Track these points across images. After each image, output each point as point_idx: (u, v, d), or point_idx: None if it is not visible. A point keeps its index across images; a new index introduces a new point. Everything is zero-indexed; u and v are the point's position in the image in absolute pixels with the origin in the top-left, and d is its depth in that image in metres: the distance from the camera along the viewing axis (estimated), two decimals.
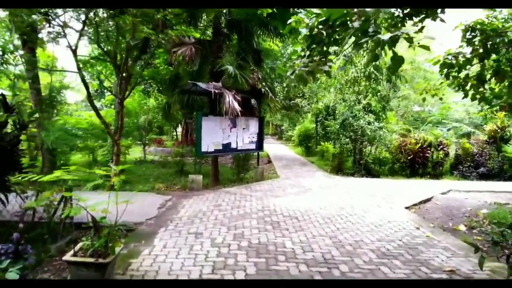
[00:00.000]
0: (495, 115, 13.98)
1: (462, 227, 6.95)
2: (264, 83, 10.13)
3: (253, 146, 11.16)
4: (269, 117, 25.62)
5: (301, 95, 16.92)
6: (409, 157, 13.32)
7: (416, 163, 13.42)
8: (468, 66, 8.38)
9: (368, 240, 5.78)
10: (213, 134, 9.72)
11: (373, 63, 13.61)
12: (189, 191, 9.36)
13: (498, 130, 13.71)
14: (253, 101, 11.80)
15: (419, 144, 13.40)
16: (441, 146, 13.76)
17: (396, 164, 13.83)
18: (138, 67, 11.59)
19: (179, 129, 24.15)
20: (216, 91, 8.87)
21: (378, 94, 13.81)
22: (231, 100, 8.91)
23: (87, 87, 8.13)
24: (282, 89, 16.09)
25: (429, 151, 13.56)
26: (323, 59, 5.38)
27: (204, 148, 9.43)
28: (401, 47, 20.16)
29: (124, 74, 8.22)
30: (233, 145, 10.42)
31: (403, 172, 13.63)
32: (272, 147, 27.96)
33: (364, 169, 13.29)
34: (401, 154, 13.54)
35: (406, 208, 8.29)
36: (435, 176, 13.41)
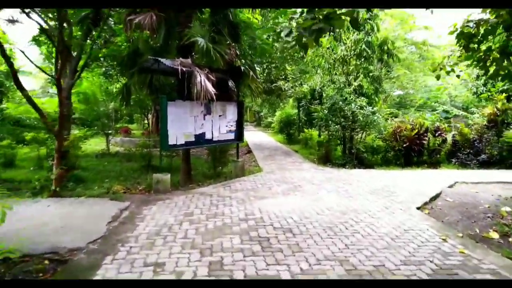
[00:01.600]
0: (495, 97, 12.89)
1: (493, 234, 5.58)
2: (243, 61, 8.39)
3: (231, 136, 9.47)
4: (250, 102, 23.82)
5: (283, 77, 15.27)
6: (404, 145, 12.01)
7: (412, 151, 12.14)
8: (490, 37, 7.00)
9: (391, 264, 4.28)
10: (183, 123, 7.95)
11: (365, 39, 12.10)
12: (154, 194, 7.61)
13: (499, 113, 12.57)
14: (230, 82, 10.03)
15: (416, 130, 12.09)
16: (438, 132, 12.53)
17: (390, 152, 12.51)
18: (90, 44, 9.58)
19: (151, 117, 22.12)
20: (184, 69, 7.08)
21: (370, 74, 12.34)
22: (203, 80, 7.15)
23: (10, 66, 6.14)
24: (263, 70, 14.36)
25: (425, 138, 12.29)
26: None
27: (171, 141, 7.66)
28: (390, 22, 18.85)
29: (60, 48, 6.28)
30: (208, 136, 8.70)
31: (397, 161, 12.34)
32: (251, 134, 26.32)
33: (356, 158, 11.88)
34: (395, 141, 12.21)
35: (418, 208, 6.91)
36: (432, 165, 12.19)
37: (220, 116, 9.01)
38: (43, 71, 7.60)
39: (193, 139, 8.26)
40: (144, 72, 8.12)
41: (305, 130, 18.38)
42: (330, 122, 12.22)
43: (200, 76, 7.21)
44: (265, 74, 14.75)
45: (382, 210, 6.65)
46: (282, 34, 3.82)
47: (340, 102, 11.92)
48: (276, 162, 12.67)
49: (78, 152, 11.77)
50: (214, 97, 7.18)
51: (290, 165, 11.92)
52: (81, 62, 9.37)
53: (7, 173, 10.38)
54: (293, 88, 14.70)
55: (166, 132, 7.43)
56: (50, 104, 15.13)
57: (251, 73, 8.28)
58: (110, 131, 16.40)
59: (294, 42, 3.82)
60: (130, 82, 8.79)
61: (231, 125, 9.39)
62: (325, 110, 12.41)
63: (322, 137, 15.11)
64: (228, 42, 8.54)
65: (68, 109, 9.43)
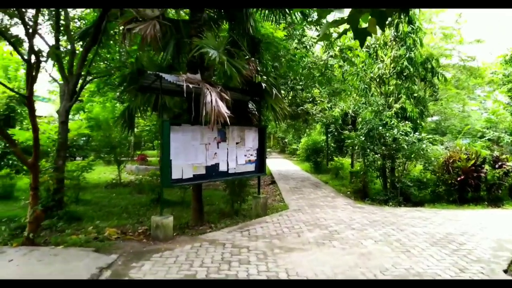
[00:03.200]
0: None
1: None
2: (265, 77, 6.92)
3: (251, 168, 7.89)
4: (273, 127, 22.20)
5: (310, 100, 13.74)
6: (459, 178, 10.01)
7: (468, 185, 10.10)
8: None
9: None
10: (191, 152, 6.45)
11: (407, 55, 10.46)
12: (153, 241, 6.04)
13: None
14: (250, 104, 8.57)
15: (472, 161, 10.11)
16: (499, 163, 10.47)
17: (441, 187, 10.51)
18: (89, 61, 8.43)
19: None
20: (191, 86, 5.65)
21: (414, 95, 10.59)
22: (214, 100, 5.68)
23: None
24: (287, 92, 12.90)
25: (483, 170, 10.26)
26: None
27: (176, 174, 6.14)
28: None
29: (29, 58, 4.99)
30: (222, 167, 7.15)
31: (450, 197, 10.30)
32: (275, 162, 24.66)
33: (401, 194, 9.97)
34: (447, 173, 10.24)
35: (505, 271, 5.00)
36: (492, 203, 10.09)
37: (237, 143, 7.48)
38: (7, 87, 6.27)
39: (203, 171, 6.72)
40: (146, 92, 6.75)
41: (335, 158, 16.59)
42: (368, 150, 10.44)
43: (211, 95, 5.75)
44: (290, 97, 13.28)
45: (457, 274, 4.78)
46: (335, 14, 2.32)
47: (380, 127, 10.18)
48: (304, 196, 10.91)
49: (81, 183, 10.54)
50: (228, 120, 5.67)
51: (321, 201, 10.13)
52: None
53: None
54: (322, 112, 13.13)
55: (168, 164, 5.93)
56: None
57: (275, 91, 6.75)
58: (123, 159, 15.20)
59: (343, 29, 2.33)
60: (133, 104, 7.47)
61: (251, 154, 7.83)
62: (361, 137, 10.67)
63: (356, 167, 13.27)
64: (247, 57, 7.11)
65: (65, 136, 8.18)
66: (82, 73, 8.35)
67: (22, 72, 16.61)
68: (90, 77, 8.57)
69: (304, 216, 8.16)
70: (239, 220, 7.83)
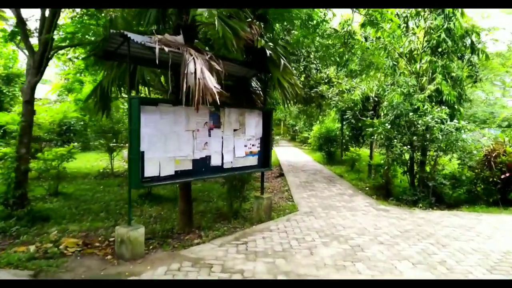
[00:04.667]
0: None
1: None
2: (271, 45, 5.29)
3: (253, 161, 6.34)
4: (282, 111, 20.17)
5: (326, 81, 11.99)
6: (503, 176, 8.32)
7: None
8: None
9: None
10: (171, 142, 4.90)
11: (444, 25, 8.66)
12: (117, 261, 4.57)
13: None
14: (254, 83, 6.97)
15: None
16: None
17: (479, 185, 8.84)
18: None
19: None
20: (167, 49, 4.07)
21: (451, 76, 8.82)
22: (199, 70, 4.10)
23: None
24: (300, 73, 11.19)
25: None
26: None
27: (150, 171, 4.61)
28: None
29: None
30: (216, 161, 5.60)
31: (489, 198, 8.63)
32: (284, 151, 23.04)
33: (432, 193, 8.34)
34: (488, 170, 8.55)
35: None
36: None
37: (235, 130, 5.91)
38: None
39: (189, 166, 5.18)
40: (111, 59, 5.15)
41: (351, 148, 14.93)
42: (394, 140, 8.77)
43: (195, 63, 4.16)
44: (302, 78, 11.58)
45: None
46: None
47: (410, 113, 8.50)
48: (317, 193, 9.34)
49: (60, 174, 9.16)
50: (217, 98, 4.09)
51: (336, 200, 8.56)
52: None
53: None
54: (339, 95, 11.40)
55: (138, 157, 4.40)
56: (50, 113, 12.74)
57: (283, 61, 5.11)
58: (118, 146, 13.78)
59: None
60: (106, 80, 5.93)
61: (253, 145, 6.27)
62: (386, 124, 9.00)
63: (376, 159, 11.62)
64: (250, 20, 5.47)
65: (29, 118, 6.73)
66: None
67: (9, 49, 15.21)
68: (57, 47, 6.99)
69: (317, 221, 6.61)
70: (237, 226, 6.33)
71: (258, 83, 6.86)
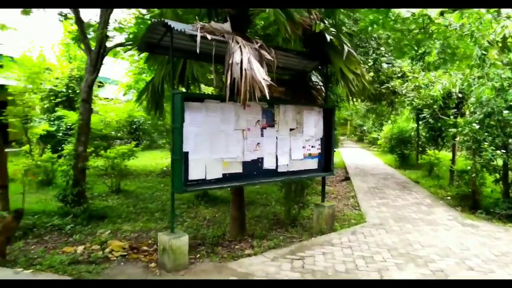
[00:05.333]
0: None
1: None
2: (334, 30, 4.54)
3: (312, 165, 5.63)
4: (346, 109, 18.66)
5: (399, 75, 10.71)
6: None
7: None
8: None
9: None
10: (219, 142, 4.42)
11: None
12: (159, 270, 4.19)
13: None
14: (314, 77, 6.25)
15: None
16: None
17: None
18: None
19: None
20: (210, 37, 3.59)
21: None
22: (246, 60, 3.55)
23: None
24: (369, 67, 10.10)
25: None
26: None
27: (194, 174, 4.18)
28: None
29: None
30: (269, 164, 5.01)
31: None
32: (350, 153, 21.69)
33: None
34: None
35: None
36: None
37: (292, 130, 5.26)
38: None
39: (239, 169, 4.66)
40: (155, 52, 4.79)
41: (428, 151, 13.34)
42: (484, 143, 7.41)
43: (242, 52, 3.62)
44: (372, 73, 10.45)
45: None
46: None
47: (504, 111, 7.10)
48: (389, 201, 8.28)
49: (122, 171, 9.35)
50: (266, 92, 3.49)
51: (412, 210, 7.45)
52: None
53: (38, 195, 8.31)
54: (416, 91, 10.05)
55: (181, 159, 3.98)
56: (116, 112, 13.27)
57: (347, 48, 4.34)
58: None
59: None
60: (158, 77, 5.68)
61: (312, 146, 5.55)
62: (473, 124, 7.65)
63: (459, 163, 10.10)
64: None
65: (87, 117, 6.79)
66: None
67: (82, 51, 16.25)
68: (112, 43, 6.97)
69: (389, 236, 5.67)
70: (294, 236, 5.68)
71: (319, 77, 6.12)
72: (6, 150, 13.28)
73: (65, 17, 10.09)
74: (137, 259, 4.58)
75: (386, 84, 10.52)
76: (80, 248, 4.76)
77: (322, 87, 6.04)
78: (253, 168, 4.81)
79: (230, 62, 3.59)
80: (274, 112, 5.00)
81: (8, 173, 3.99)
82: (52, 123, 12.87)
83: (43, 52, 14.83)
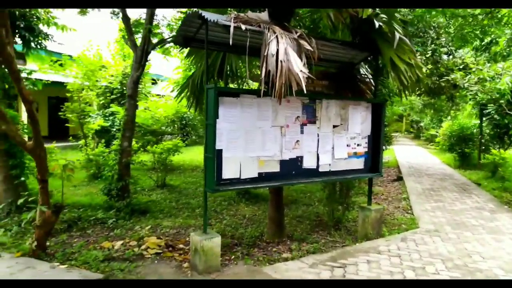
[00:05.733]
0: None
1: None
2: (383, 16, 4.09)
3: (358, 164, 5.20)
4: (401, 105, 17.50)
5: (461, 66, 9.69)
6: None
7: None
8: None
9: None
10: (255, 139, 4.19)
11: None
12: (190, 274, 4.06)
13: None
14: (363, 69, 5.78)
15: None
16: None
17: None
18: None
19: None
20: (245, 27, 3.35)
21: None
22: (282, 51, 3.27)
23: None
24: (426, 58, 9.25)
25: None
26: None
27: (228, 173, 3.99)
28: None
29: None
30: (309, 163, 4.68)
31: None
32: (405, 150, 20.43)
33: None
34: None
35: None
36: None
37: (335, 127, 4.89)
38: None
39: (277, 168, 4.39)
40: (191, 45, 4.64)
41: (493, 150, 12.07)
42: None
43: (278, 42, 3.34)
44: (430, 65, 9.56)
45: None
46: None
47: None
48: (445, 205, 7.55)
49: (167, 166, 9.51)
50: (303, 85, 3.19)
51: (472, 216, 6.70)
52: None
53: (88, 187, 8.69)
54: (479, 85, 8.99)
55: (214, 156, 3.80)
56: (165, 108, 13.61)
57: (398, 35, 3.86)
58: None
59: None
60: (198, 71, 5.57)
61: (358, 144, 5.13)
62: None
63: None
64: None
65: (132, 113, 6.90)
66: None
67: None
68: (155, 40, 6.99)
69: (444, 245, 5.10)
70: (337, 240, 5.32)
71: (368, 70, 5.64)
72: (65, 144, 14.13)
73: (117, 15, 10.45)
74: (172, 257, 4.51)
75: (446, 77, 9.59)
76: (118, 244, 4.80)
77: (371, 80, 5.57)
78: (292, 167, 4.52)
79: (266, 53, 3.33)
80: (315, 107, 4.65)
81: (48, 168, 4.05)
82: (107, 118, 13.44)
83: (100, 50, 15.62)
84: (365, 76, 5.68)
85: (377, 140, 5.30)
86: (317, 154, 4.74)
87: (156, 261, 4.35)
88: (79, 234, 5.36)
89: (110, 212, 6.21)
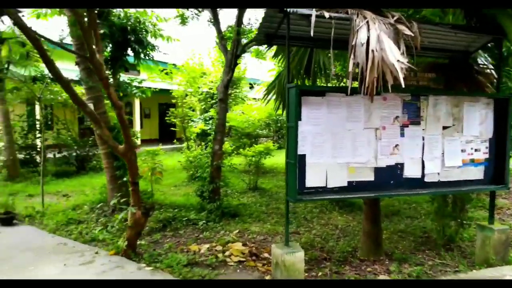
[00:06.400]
0: None
1: None
2: None
3: (476, 174, 4.26)
4: None
5: None
6: None
7: None
8: None
9: None
10: (344, 143, 3.68)
11: None
12: None
13: None
14: (481, 59, 4.76)
15: None
16: None
17: None
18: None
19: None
20: (329, 14, 2.92)
21: None
22: (374, 38, 2.74)
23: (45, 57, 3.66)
24: None
25: None
26: None
27: (311, 181, 3.57)
28: None
29: None
30: (411, 171, 3.96)
31: None
32: None
33: None
34: None
35: None
36: None
37: (445, 128, 4.06)
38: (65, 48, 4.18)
39: (370, 177, 3.81)
40: (273, 42, 4.33)
41: None
42: None
43: (369, 29, 2.83)
44: None
45: None
46: None
47: None
48: None
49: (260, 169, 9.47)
50: (401, 78, 2.62)
51: None
52: None
53: (186, 188, 9.13)
54: None
55: (296, 162, 3.44)
56: (258, 111, 13.72)
57: None
58: None
59: None
60: (285, 71, 5.28)
61: (475, 149, 4.19)
62: None
63: None
64: None
65: (223, 116, 6.96)
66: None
67: None
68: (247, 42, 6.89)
69: None
70: (448, 263, 4.45)
71: (489, 59, 4.62)
72: (172, 146, 15.19)
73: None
74: (254, 267, 4.28)
75: None
76: (204, 247, 4.77)
77: (492, 71, 4.55)
78: (389, 176, 3.87)
79: (354, 43, 2.85)
80: (419, 105, 3.93)
81: (138, 171, 4.20)
82: (207, 122, 14.13)
83: (201, 58, 16.58)
84: (485, 66, 4.66)
85: (502, 144, 4.27)
86: (422, 161, 3.99)
87: (238, 270, 4.17)
88: (172, 234, 5.53)
89: (202, 213, 6.31)
